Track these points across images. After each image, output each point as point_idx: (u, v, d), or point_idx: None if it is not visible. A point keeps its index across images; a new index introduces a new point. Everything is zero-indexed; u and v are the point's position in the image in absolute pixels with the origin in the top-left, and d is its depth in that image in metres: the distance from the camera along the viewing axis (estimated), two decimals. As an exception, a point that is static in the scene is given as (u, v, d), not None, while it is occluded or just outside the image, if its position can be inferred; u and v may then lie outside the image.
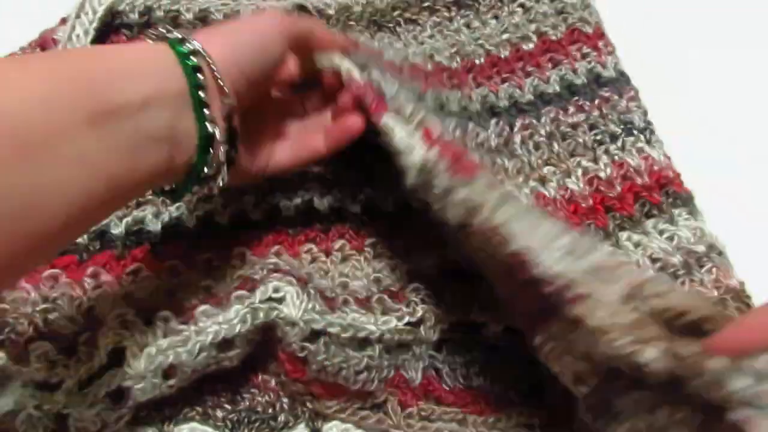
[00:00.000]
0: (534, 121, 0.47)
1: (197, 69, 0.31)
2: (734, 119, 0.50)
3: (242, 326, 0.36)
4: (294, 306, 0.36)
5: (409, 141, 0.34)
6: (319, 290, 0.38)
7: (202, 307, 0.36)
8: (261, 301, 0.37)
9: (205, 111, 0.31)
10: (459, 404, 0.38)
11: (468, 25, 0.54)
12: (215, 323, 0.36)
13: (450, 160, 0.33)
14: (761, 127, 0.49)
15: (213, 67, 0.32)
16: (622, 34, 0.52)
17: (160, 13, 0.52)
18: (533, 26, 0.52)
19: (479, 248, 0.32)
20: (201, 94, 0.31)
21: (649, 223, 0.42)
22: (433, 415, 0.38)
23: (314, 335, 0.36)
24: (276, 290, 0.37)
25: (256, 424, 0.38)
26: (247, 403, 0.39)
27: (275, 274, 0.38)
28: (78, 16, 0.50)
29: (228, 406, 0.38)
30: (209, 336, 0.35)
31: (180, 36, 0.32)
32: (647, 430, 0.27)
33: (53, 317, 0.37)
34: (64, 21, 0.51)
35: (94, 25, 0.49)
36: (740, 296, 0.39)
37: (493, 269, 0.34)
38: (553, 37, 0.51)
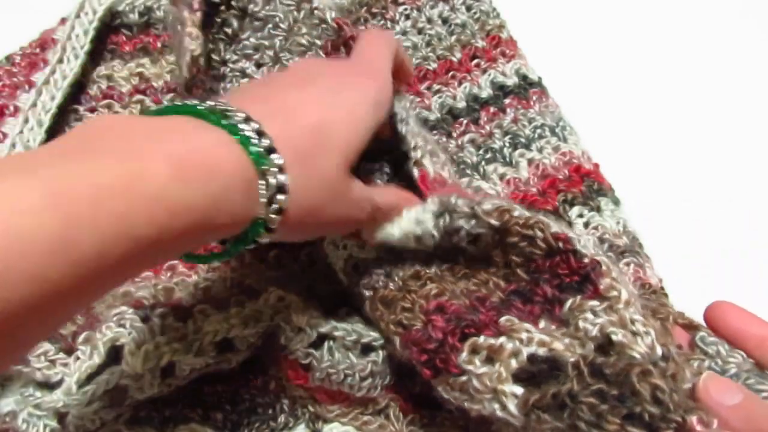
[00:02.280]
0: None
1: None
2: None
3: (244, 327, 0.36)
4: (300, 310, 0.36)
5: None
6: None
7: (201, 307, 0.36)
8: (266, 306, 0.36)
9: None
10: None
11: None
12: (216, 322, 0.35)
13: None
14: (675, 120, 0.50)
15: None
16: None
17: (160, 14, 0.52)
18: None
19: None
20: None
21: (574, 212, 0.42)
22: (435, 421, 0.38)
23: (319, 340, 0.36)
24: (280, 299, 0.37)
25: (256, 425, 0.38)
26: (247, 404, 0.38)
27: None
28: (78, 16, 0.50)
29: (228, 407, 0.38)
30: (208, 335, 0.35)
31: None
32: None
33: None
34: (64, 21, 0.51)
35: (94, 25, 0.50)
36: (658, 294, 0.39)
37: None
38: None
